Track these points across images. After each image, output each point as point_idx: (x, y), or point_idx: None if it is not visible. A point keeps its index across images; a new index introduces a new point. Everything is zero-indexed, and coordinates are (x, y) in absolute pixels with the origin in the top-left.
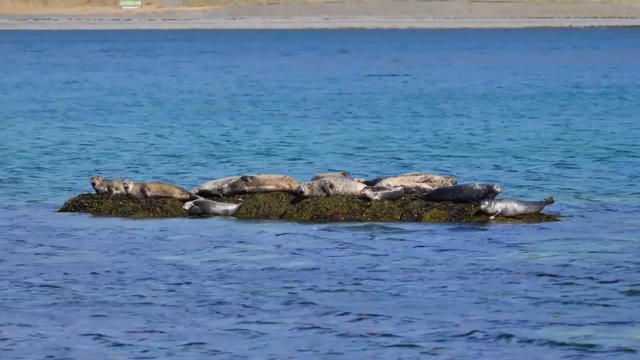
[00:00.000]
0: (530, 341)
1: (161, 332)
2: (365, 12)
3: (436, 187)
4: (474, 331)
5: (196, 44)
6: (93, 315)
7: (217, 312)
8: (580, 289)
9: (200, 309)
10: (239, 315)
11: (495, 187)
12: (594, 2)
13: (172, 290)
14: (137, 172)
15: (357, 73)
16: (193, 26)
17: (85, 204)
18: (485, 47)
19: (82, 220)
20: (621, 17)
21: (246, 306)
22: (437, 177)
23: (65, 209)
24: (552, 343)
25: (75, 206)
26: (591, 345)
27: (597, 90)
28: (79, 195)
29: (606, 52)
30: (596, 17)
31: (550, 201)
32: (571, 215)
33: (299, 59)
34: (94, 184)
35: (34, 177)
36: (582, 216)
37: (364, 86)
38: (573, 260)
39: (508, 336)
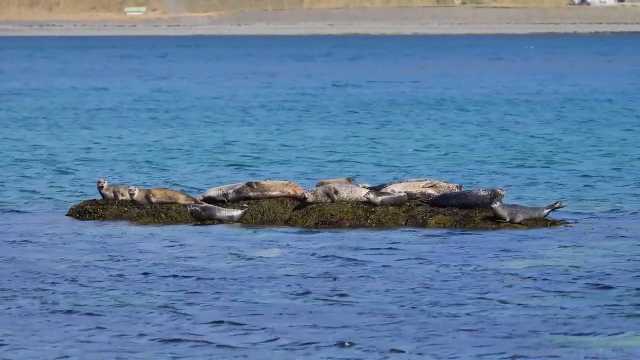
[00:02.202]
0: (535, 345)
1: (154, 336)
2: (370, 18)
3: (441, 193)
4: (476, 334)
5: (207, 50)
6: (91, 319)
7: (212, 317)
8: (586, 294)
9: (193, 313)
10: (232, 320)
11: (499, 191)
12: (599, 8)
13: (171, 295)
14: (142, 177)
15: (368, 79)
16: (198, 32)
17: (90, 210)
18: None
19: (87, 226)
20: (626, 23)
21: (245, 312)
22: (442, 183)
23: (70, 214)
24: (559, 348)
25: (80, 212)
26: (597, 350)
27: (604, 96)
28: (84, 201)
29: (614, 58)
30: (601, 23)
31: (558, 206)
32: (576, 222)
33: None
34: (101, 187)
35: (38, 182)
36: (588, 222)
37: (375, 92)
38: (580, 265)
39: (511, 342)
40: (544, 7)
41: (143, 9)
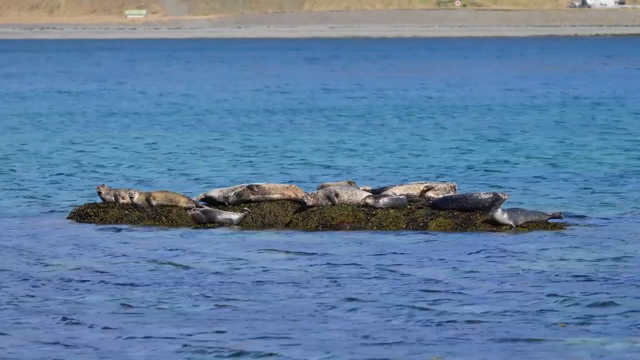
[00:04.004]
0: (536, 349)
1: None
2: (371, 20)
3: (441, 196)
4: (477, 338)
5: (209, 53)
6: (91, 322)
7: (214, 321)
8: (587, 297)
9: (194, 317)
10: (232, 323)
11: (501, 195)
12: (599, 10)
13: (172, 298)
14: (143, 180)
15: (370, 82)
16: (199, 35)
17: (91, 213)
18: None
19: (88, 229)
20: (626, 26)
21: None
22: (440, 185)
23: (71, 217)
24: (559, 352)
25: (81, 215)
26: (599, 354)
27: (605, 100)
28: (85, 204)
29: (614, 61)
30: (601, 26)
31: (558, 216)
32: (577, 225)
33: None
34: (99, 193)
35: (40, 185)
36: (588, 225)
37: (366, 96)
38: (580, 268)
39: (513, 345)
40: (544, 9)
41: (144, 12)
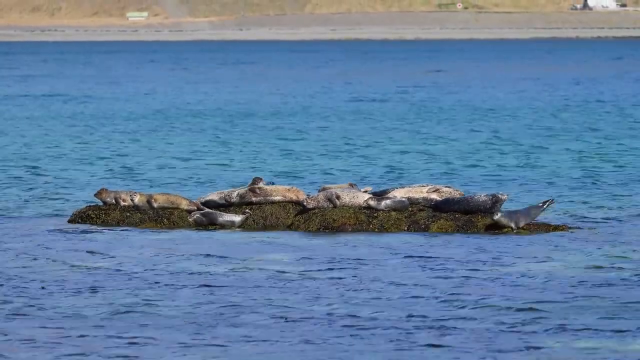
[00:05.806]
0: (537, 351)
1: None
2: (372, 23)
3: (444, 198)
4: (477, 342)
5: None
6: (91, 324)
7: (214, 325)
8: (588, 298)
9: (194, 318)
10: (230, 326)
11: (500, 195)
12: (601, 12)
13: (169, 299)
14: (143, 183)
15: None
16: (199, 37)
17: (93, 215)
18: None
19: (88, 231)
20: (628, 28)
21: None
22: (444, 189)
23: (72, 220)
24: (560, 354)
25: (82, 217)
26: (601, 356)
27: (606, 103)
28: (87, 206)
29: (613, 63)
30: (603, 28)
31: (551, 203)
32: (578, 227)
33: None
34: (99, 199)
35: (42, 186)
36: (590, 227)
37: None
38: (581, 270)
39: (513, 347)
40: (545, 12)
41: (145, 14)
